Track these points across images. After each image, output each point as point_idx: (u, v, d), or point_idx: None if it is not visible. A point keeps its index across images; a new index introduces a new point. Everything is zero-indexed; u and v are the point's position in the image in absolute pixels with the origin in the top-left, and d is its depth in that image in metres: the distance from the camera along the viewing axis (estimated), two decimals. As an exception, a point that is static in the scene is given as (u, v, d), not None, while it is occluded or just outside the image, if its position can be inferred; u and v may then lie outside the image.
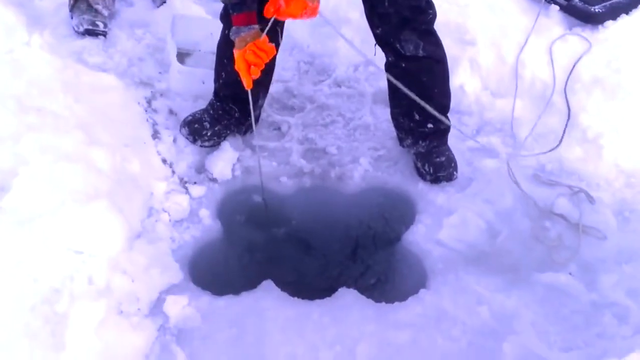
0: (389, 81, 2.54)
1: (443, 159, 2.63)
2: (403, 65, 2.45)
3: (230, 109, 2.62)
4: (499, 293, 2.22)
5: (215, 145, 2.65)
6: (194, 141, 2.64)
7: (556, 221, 2.45)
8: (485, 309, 2.16)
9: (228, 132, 2.67)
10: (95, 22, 2.98)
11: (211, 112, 2.65)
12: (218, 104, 2.65)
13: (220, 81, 2.60)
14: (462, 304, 2.18)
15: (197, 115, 2.67)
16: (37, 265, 1.88)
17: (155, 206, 2.36)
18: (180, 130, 2.66)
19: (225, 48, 2.48)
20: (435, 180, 2.62)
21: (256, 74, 2.14)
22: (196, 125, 2.63)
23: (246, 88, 2.19)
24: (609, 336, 2.10)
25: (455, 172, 2.64)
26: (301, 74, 3.16)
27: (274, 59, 2.53)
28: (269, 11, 2.05)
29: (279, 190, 2.60)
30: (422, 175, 2.65)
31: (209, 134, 2.63)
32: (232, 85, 2.39)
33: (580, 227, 2.40)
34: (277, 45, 2.48)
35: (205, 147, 2.64)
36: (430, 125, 2.57)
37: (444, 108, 2.60)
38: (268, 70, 2.58)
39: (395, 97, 2.55)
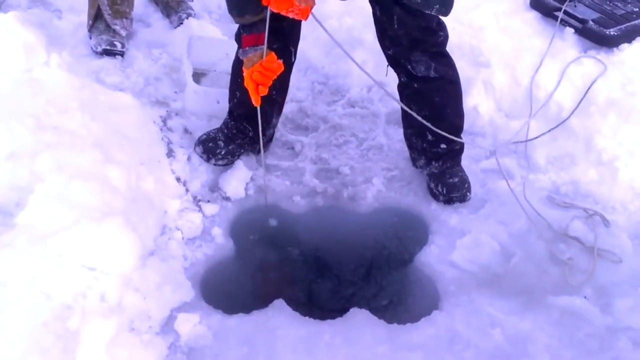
0: (401, 101, 2.56)
1: (456, 179, 2.62)
2: (415, 85, 2.46)
3: (245, 128, 2.64)
4: (512, 316, 2.20)
5: (229, 164, 2.67)
6: (208, 160, 2.66)
7: (571, 244, 2.43)
8: (499, 332, 2.14)
9: (242, 151, 2.69)
10: (113, 43, 3.03)
11: (225, 131, 2.67)
12: (232, 123, 2.67)
13: (235, 100, 2.62)
14: (475, 326, 2.16)
15: (211, 134, 2.69)
16: (50, 281, 1.89)
17: (169, 224, 2.37)
18: (194, 149, 2.68)
19: (239, 68, 2.50)
20: (449, 201, 2.61)
21: (264, 92, 2.22)
22: (210, 144, 2.65)
23: (255, 105, 2.26)
24: (623, 361, 2.06)
25: (468, 193, 2.63)
26: (315, 94, 3.18)
27: (288, 78, 2.56)
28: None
29: (291, 210, 2.61)
30: (435, 196, 2.64)
31: (222, 152, 2.65)
32: (246, 105, 2.41)
33: (595, 250, 2.38)
34: (291, 66, 2.52)
35: (219, 165, 2.66)
36: (443, 146, 2.57)
37: (457, 128, 2.60)
38: (282, 90, 2.61)
39: (408, 117, 2.55)
